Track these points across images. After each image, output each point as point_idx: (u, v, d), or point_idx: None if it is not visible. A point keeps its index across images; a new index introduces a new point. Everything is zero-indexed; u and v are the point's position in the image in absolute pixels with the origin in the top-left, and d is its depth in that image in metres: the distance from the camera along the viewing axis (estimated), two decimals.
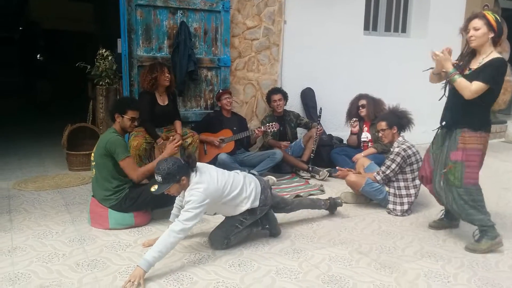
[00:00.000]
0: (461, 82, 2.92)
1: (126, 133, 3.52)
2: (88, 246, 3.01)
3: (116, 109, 3.41)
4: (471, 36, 2.97)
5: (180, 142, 4.18)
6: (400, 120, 3.88)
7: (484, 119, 3.02)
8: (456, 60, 3.10)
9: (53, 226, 3.33)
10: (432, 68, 3.19)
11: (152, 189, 2.74)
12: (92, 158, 3.38)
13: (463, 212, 3.07)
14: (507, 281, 2.68)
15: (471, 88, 2.89)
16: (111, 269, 2.69)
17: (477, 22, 2.95)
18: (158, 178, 2.72)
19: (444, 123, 3.16)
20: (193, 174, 2.80)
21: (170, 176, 2.70)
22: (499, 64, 2.90)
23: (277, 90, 5.18)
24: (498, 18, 2.96)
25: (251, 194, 3.01)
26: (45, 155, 5.69)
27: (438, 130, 3.26)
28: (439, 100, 3.23)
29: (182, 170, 2.74)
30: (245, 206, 2.99)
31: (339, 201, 3.69)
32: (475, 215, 3.04)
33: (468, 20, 3.02)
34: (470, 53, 3.08)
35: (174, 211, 3.14)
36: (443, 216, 3.49)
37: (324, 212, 3.78)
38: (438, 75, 3.14)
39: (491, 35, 2.94)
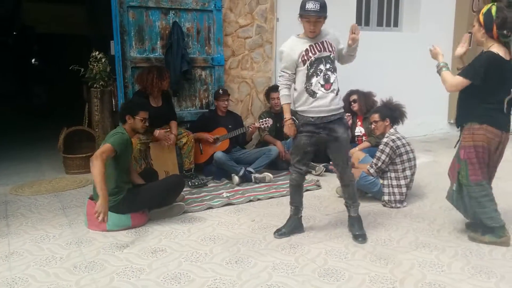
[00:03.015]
0: (444, 75, 2.96)
1: (136, 133, 3.56)
2: (85, 248, 3.03)
3: (127, 110, 3.44)
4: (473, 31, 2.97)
5: (172, 141, 4.30)
6: (392, 113, 3.90)
7: (479, 112, 2.92)
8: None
9: (50, 230, 3.35)
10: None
11: None
12: None
13: (474, 211, 3.03)
14: (500, 268, 2.70)
15: (451, 82, 2.91)
16: (108, 270, 2.71)
17: (475, 18, 2.95)
18: (316, 5, 2.84)
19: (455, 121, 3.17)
20: None
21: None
22: (481, 57, 2.88)
23: (277, 88, 5.17)
24: (493, 11, 2.81)
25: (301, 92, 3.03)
26: (42, 160, 5.70)
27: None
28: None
29: None
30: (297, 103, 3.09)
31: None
32: (485, 214, 2.97)
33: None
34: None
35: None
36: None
37: (321, 207, 3.81)
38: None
39: (482, 30, 2.88)
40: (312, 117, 3.01)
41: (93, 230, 3.33)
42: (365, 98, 4.88)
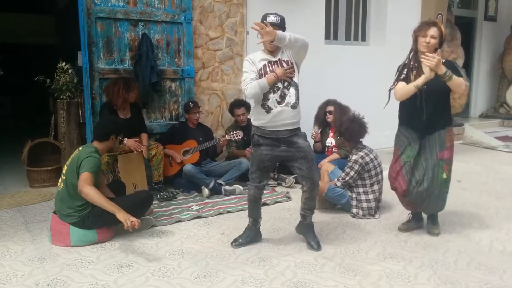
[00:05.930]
0: (456, 79, 3.10)
1: (108, 152, 3.51)
2: (49, 264, 2.92)
3: (114, 130, 3.43)
4: (428, 42, 3.13)
5: (144, 151, 4.25)
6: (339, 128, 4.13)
7: (449, 116, 3.36)
8: (404, 70, 3.32)
9: (11, 246, 3.22)
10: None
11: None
12: (63, 171, 3.29)
13: (443, 203, 3.38)
14: (465, 278, 2.77)
15: (466, 83, 3.20)
16: None
17: (435, 31, 3.14)
18: (276, 18, 2.95)
19: (420, 129, 3.30)
20: None
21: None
22: (454, 64, 3.31)
23: (240, 104, 5.12)
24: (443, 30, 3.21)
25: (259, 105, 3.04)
26: (4, 173, 5.50)
27: (405, 139, 3.40)
28: (384, 107, 3.54)
29: None
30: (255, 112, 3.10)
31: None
32: (444, 203, 3.41)
33: (426, 25, 3.18)
34: (416, 60, 3.23)
35: None
36: (410, 218, 3.59)
37: (291, 219, 3.82)
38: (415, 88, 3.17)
39: (437, 46, 3.19)
40: (270, 131, 3.04)
41: (57, 245, 3.21)
42: (341, 111, 4.88)
